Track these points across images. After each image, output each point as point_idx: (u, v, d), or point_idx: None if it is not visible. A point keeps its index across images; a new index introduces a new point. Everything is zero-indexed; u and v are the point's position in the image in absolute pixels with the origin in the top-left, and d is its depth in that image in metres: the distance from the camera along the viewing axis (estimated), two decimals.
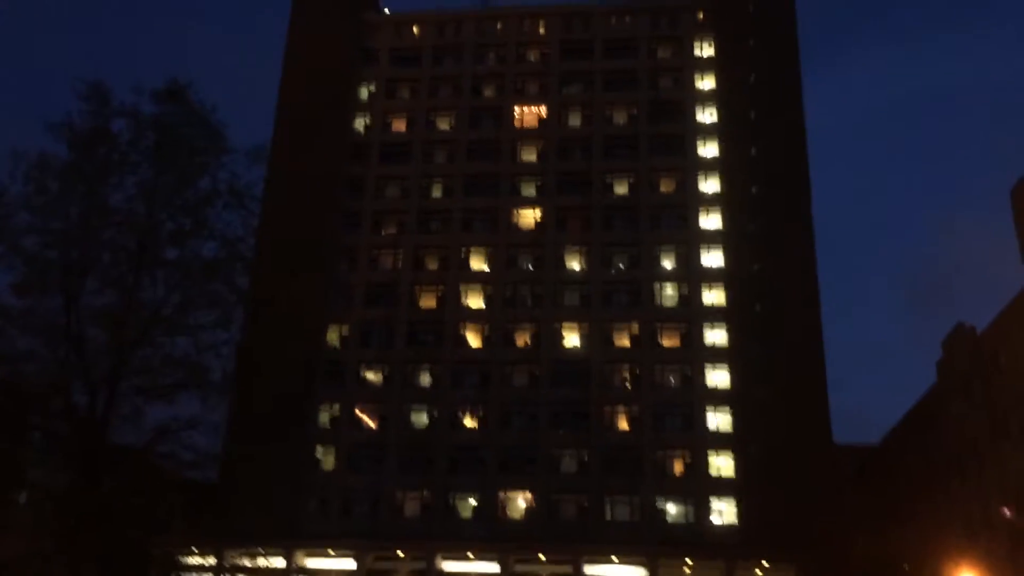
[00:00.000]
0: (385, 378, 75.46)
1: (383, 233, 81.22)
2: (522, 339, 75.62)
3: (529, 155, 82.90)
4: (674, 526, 68.02)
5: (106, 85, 24.99)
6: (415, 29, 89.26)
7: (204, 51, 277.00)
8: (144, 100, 25.50)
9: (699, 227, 77.31)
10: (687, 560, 65.36)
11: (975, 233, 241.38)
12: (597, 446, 70.55)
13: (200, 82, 26.59)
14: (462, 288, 77.74)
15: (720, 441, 69.88)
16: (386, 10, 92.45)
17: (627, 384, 73.33)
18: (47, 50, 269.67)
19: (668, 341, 74.13)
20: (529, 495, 70.27)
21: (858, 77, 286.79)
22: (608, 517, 68.84)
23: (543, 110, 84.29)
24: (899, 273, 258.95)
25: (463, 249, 79.28)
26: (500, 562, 64.97)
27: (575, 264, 78.00)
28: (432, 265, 79.42)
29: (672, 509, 69.09)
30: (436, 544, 66.03)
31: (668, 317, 74.73)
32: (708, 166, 79.55)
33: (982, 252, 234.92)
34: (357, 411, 74.58)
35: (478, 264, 78.94)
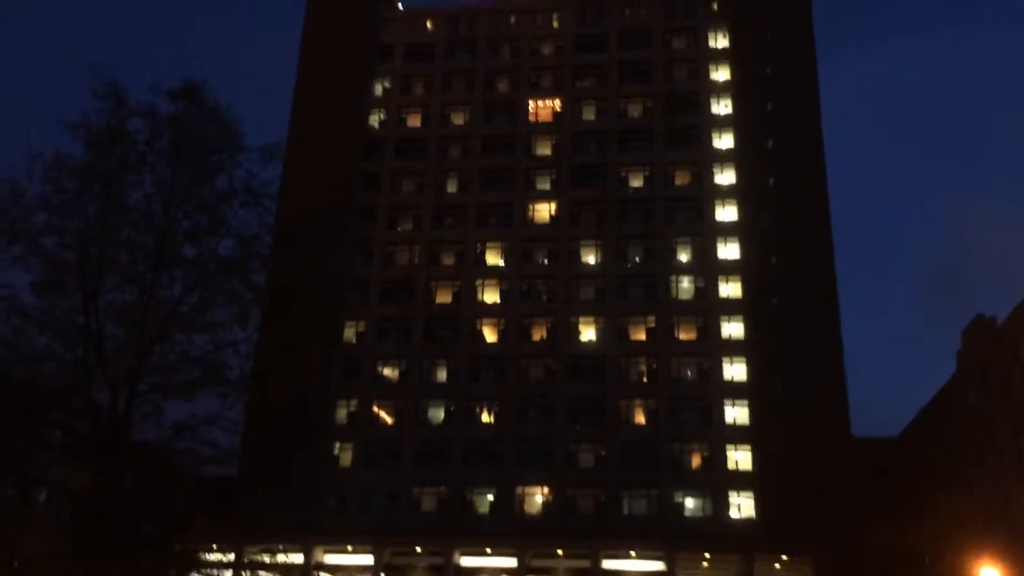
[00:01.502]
0: (401, 374, 75.62)
1: (399, 229, 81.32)
2: (538, 333, 75.58)
3: (544, 149, 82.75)
4: (692, 520, 67.83)
5: (121, 84, 25.05)
6: (429, 24, 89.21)
7: (219, 49, 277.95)
8: (160, 99, 25.58)
9: (715, 220, 76.95)
10: (705, 554, 65.22)
11: (994, 223, 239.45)
12: (614, 440, 70.43)
13: (215, 80, 26.63)
14: (478, 283, 77.77)
15: (737, 434, 69.59)
16: (400, 5, 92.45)
17: (643, 378, 73.14)
18: (59, 47, 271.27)
19: (684, 334, 73.87)
20: (546, 489, 70.25)
21: (874, 66, 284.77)
22: (625, 511, 68.75)
23: (557, 103, 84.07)
24: (917, 264, 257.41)
25: (479, 244, 79.30)
26: (517, 557, 65.01)
27: (590, 258, 77.83)
28: (448, 260, 79.46)
29: (690, 503, 68.90)
30: (453, 539, 66.15)
31: (684, 310, 74.48)
32: (724, 158, 79.13)
33: (1001, 242, 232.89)
34: (374, 407, 74.80)
35: (494, 259, 78.91)
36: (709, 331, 73.15)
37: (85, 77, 24.88)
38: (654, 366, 72.98)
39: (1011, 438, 57.96)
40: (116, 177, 25.11)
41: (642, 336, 74.33)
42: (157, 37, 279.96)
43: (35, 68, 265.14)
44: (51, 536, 25.28)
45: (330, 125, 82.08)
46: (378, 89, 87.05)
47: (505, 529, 67.25)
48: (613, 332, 74.26)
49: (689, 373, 72.84)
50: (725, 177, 78.59)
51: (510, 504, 69.72)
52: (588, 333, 75.28)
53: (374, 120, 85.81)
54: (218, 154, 25.93)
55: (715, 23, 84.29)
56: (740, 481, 68.20)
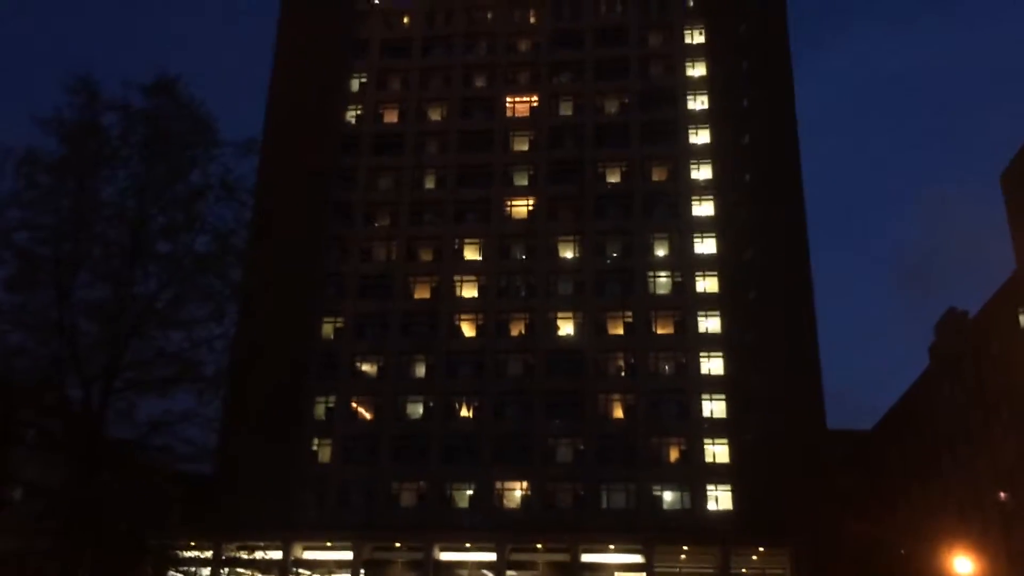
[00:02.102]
0: (380, 370, 75.50)
1: (376, 225, 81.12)
2: (516, 329, 75.70)
3: (521, 145, 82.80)
4: (670, 513, 68.25)
5: (94, 79, 24.88)
6: (405, 20, 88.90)
7: (194, 45, 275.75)
8: (133, 94, 25.41)
9: (691, 215, 77.37)
10: (683, 547, 65.64)
11: (969, 214, 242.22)
12: (592, 435, 70.70)
13: (190, 76, 26.50)
14: (456, 279, 77.75)
15: (715, 428, 70.07)
16: (375, 0, 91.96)
17: (621, 372, 73.48)
18: (31, 44, 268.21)
19: (662, 329, 74.25)
20: (525, 484, 70.41)
21: (849, 57, 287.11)
22: (604, 505, 69.04)
23: (534, 99, 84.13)
24: (893, 257, 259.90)
25: (456, 240, 79.27)
26: (497, 551, 65.11)
27: (568, 253, 78.01)
28: (425, 256, 79.41)
29: (668, 496, 69.31)
30: (433, 535, 66.13)
31: (661, 305, 74.83)
32: (700, 154, 79.54)
33: (976, 233, 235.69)
34: (352, 403, 74.59)
35: (471, 255, 78.91)
36: (686, 326, 73.58)
37: (58, 72, 24.73)
38: (632, 361, 73.32)
39: (984, 430, 58.74)
40: (89, 172, 24.94)
41: (620, 331, 74.64)
42: (131, 33, 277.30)
43: (6, 63, 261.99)
44: (27, 534, 25.07)
45: (306, 121, 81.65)
46: (354, 85, 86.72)
47: (484, 524, 67.31)
48: (591, 327, 74.50)
49: (666, 367, 73.21)
50: (702, 172, 79.01)
51: (489, 499, 69.84)
52: (566, 328, 75.48)
53: (351, 116, 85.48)
54: (192, 149, 25.80)
55: (691, 20, 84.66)
56: (717, 474, 68.70)
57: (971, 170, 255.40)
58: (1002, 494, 55.62)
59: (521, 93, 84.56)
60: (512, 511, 69.66)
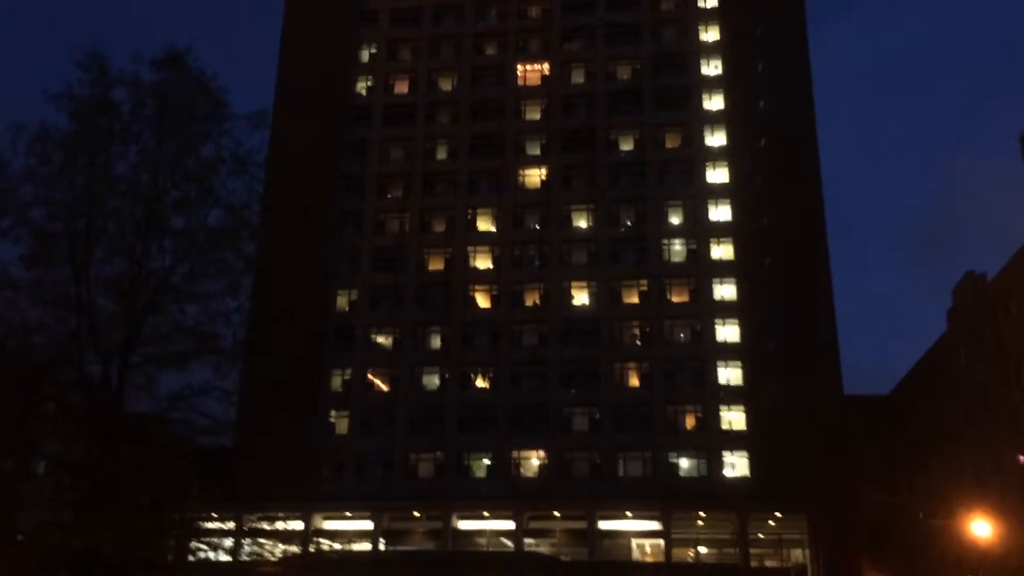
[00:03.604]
0: (395, 341, 75.75)
1: (388, 197, 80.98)
2: (531, 299, 75.68)
3: (533, 113, 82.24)
4: (687, 480, 68.46)
5: (104, 54, 24.83)
6: None
7: (202, 17, 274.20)
8: (144, 68, 25.37)
9: (706, 182, 76.82)
10: (700, 513, 65.94)
11: (986, 181, 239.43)
12: (608, 403, 70.84)
13: (199, 48, 26.36)
14: (469, 249, 77.63)
15: (731, 395, 70.06)
16: None
17: (637, 341, 73.43)
18: (38, 19, 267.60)
19: (677, 297, 74.06)
20: (542, 453, 70.76)
21: (864, 25, 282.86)
22: (621, 473, 69.33)
23: (546, 67, 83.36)
24: (909, 221, 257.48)
25: (469, 210, 79.05)
26: (515, 520, 65.60)
27: (582, 222, 77.72)
28: (439, 227, 79.26)
29: (684, 463, 69.51)
30: (451, 504, 66.68)
31: (676, 273, 74.59)
32: (714, 119, 78.77)
33: (993, 198, 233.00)
34: (369, 375, 74.98)
35: (485, 225, 78.72)
36: (702, 293, 73.35)
37: (67, 48, 24.70)
38: (647, 329, 73.22)
39: (1002, 394, 58.43)
40: (102, 148, 24.98)
41: (635, 299, 74.50)
42: (139, 7, 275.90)
43: (16, 40, 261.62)
44: (49, 507, 25.42)
45: (317, 93, 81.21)
46: (364, 55, 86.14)
47: (502, 493, 67.78)
48: (606, 296, 74.39)
49: (682, 335, 73.11)
50: (716, 139, 78.32)
51: (506, 468, 70.26)
52: (581, 297, 75.41)
53: (361, 87, 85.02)
54: (204, 123, 25.77)
55: None
56: (734, 441, 68.78)
57: (991, 136, 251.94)
58: (1021, 457, 55.44)
59: (532, 61, 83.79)
60: (529, 480, 70.08)
